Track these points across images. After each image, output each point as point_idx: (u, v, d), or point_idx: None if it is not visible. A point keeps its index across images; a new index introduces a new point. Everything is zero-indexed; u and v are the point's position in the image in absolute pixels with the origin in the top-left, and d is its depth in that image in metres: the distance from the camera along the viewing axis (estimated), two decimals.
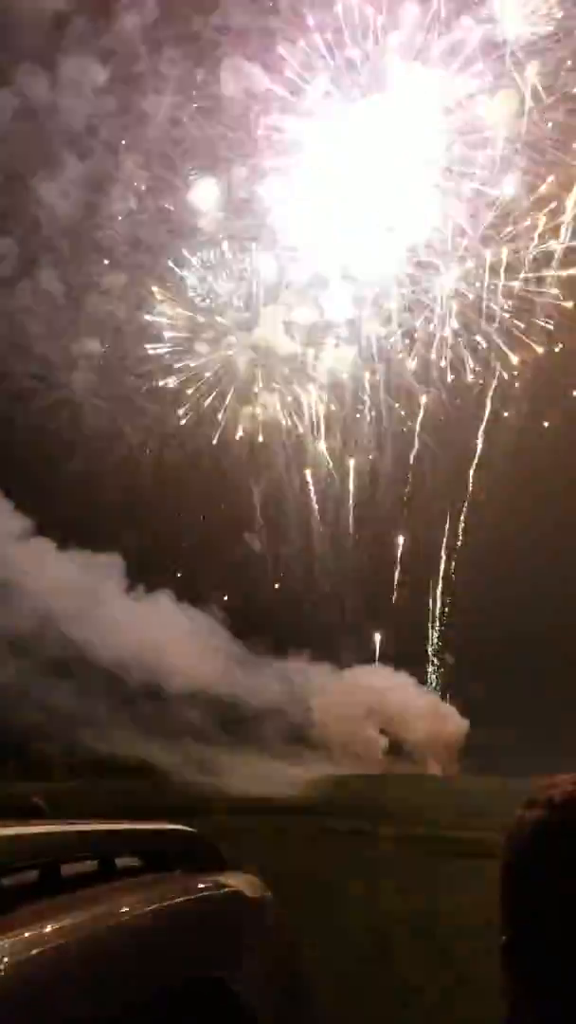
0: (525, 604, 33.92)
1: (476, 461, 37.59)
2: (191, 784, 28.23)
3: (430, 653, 38.82)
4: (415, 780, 34.51)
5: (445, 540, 38.47)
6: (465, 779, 35.26)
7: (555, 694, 30.60)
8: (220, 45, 34.63)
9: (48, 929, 1.54)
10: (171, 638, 32.21)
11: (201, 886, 2.36)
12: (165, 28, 34.75)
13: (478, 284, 35.79)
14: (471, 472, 37.61)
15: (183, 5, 34.11)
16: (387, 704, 36.46)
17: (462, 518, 37.92)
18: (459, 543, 38.32)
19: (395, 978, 8.47)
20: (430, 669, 38.81)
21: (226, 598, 35.04)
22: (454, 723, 37.06)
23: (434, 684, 38.92)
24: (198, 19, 34.07)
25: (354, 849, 17.89)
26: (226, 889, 2.49)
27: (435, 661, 38.81)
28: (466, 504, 37.89)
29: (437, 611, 38.55)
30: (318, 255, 35.93)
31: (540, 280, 36.01)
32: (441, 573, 38.62)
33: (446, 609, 38.72)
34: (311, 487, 38.66)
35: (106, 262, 37.57)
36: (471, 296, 36.06)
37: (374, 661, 38.21)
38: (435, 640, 38.80)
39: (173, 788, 27.30)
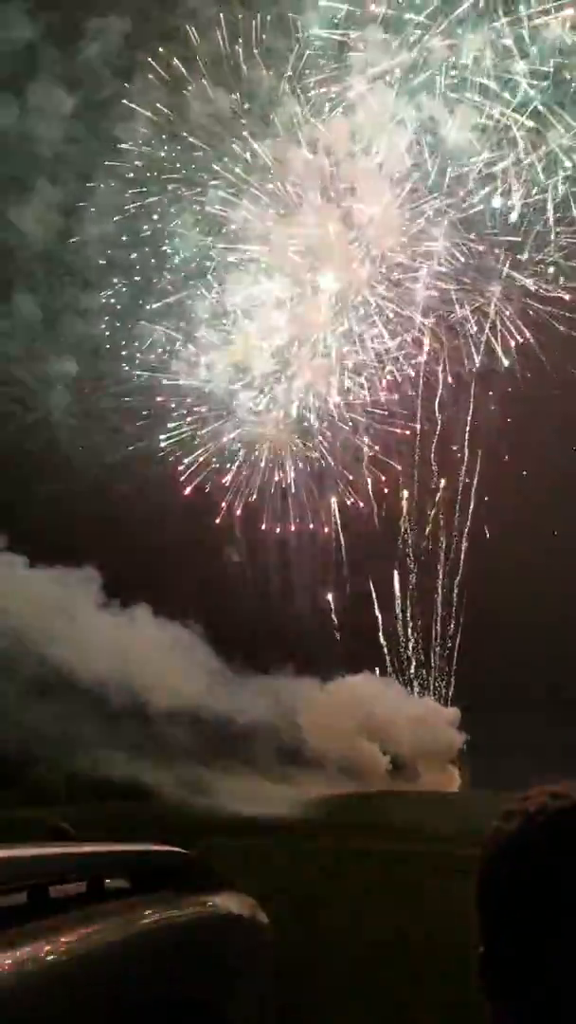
0: (515, 601, 32.83)
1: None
2: (186, 806, 27.94)
3: (416, 660, 38.19)
4: (410, 796, 34.13)
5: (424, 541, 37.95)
6: (462, 793, 34.88)
7: (558, 701, 29.48)
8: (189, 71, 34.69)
9: (35, 950, 1.55)
10: (153, 654, 31.67)
11: (189, 907, 2.36)
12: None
13: None
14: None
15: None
16: (377, 716, 35.82)
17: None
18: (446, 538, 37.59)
19: (394, 997, 8.40)
20: (419, 677, 38.20)
21: (203, 612, 34.10)
22: (448, 734, 36.41)
23: (425, 693, 38.17)
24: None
25: (352, 868, 17.73)
26: (215, 910, 2.48)
27: (423, 668, 38.16)
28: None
29: (412, 615, 38.00)
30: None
31: None
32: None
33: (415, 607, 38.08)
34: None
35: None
36: None
37: (359, 671, 37.19)
38: (419, 646, 38.17)
39: (169, 810, 27.03)
